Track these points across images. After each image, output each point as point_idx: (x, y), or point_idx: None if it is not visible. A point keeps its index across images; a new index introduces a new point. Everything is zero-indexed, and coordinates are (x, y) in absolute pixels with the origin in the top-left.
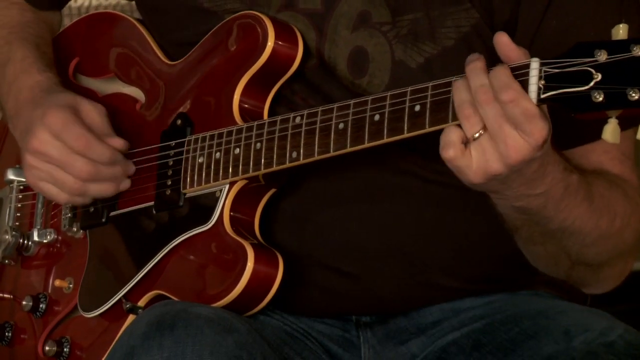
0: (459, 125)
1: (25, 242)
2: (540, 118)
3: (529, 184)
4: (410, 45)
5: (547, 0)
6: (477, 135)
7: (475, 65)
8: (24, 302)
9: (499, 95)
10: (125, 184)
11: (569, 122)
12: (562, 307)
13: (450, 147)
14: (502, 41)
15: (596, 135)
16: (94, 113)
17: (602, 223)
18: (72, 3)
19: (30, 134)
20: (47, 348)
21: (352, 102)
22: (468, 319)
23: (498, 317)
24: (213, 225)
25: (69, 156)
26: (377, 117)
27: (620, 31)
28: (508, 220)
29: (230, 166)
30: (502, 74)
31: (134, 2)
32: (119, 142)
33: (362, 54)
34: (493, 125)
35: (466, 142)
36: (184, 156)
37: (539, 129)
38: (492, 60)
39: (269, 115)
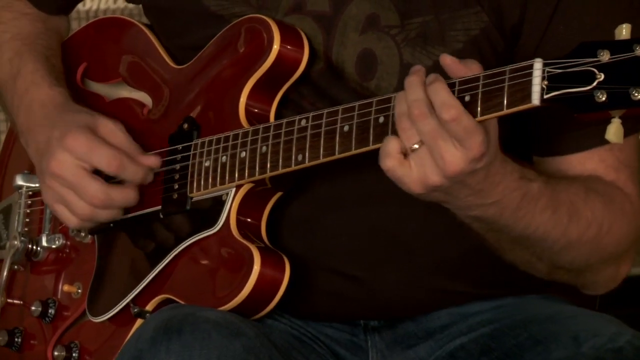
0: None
1: (34, 247)
2: (479, 133)
3: (477, 194)
4: (419, 48)
5: (553, 5)
6: (415, 147)
7: (412, 79)
8: (33, 308)
9: (439, 114)
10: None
11: (567, 129)
12: (571, 311)
13: (388, 158)
14: (447, 62)
15: (593, 143)
16: (117, 131)
17: (570, 231)
18: (80, 7)
19: (49, 155)
20: (56, 353)
21: (357, 104)
22: (476, 324)
23: (506, 322)
24: (220, 228)
25: (83, 180)
26: (381, 119)
27: (624, 31)
28: (472, 228)
29: (237, 170)
30: (440, 89)
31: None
32: (152, 160)
33: (370, 57)
34: (428, 140)
35: (406, 153)
36: (190, 160)
37: (478, 144)
38: (501, 64)
39: (276, 119)
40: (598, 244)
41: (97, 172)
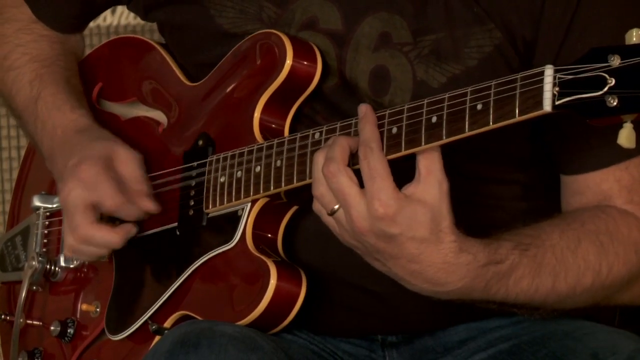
0: None
1: (52, 267)
2: (388, 188)
3: (428, 281)
4: (432, 65)
5: (567, 22)
6: (335, 207)
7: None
8: (52, 328)
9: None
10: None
11: (583, 148)
12: (590, 328)
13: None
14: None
15: (609, 160)
16: (130, 163)
17: (558, 287)
18: (101, 22)
19: (62, 183)
20: None
21: None
22: (495, 340)
23: (525, 339)
24: (236, 243)
25: (75, 211)
26: (394, 130)
27: (634, 36)
28: None
29: (252, 184)
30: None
31: None
32: (150, 206)
33: (383, 73)
34: (339, 198)
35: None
36: (205, 176)
37: (384, 197)
38: None
39: (291, 134)
40: (599, 287)
41: None
